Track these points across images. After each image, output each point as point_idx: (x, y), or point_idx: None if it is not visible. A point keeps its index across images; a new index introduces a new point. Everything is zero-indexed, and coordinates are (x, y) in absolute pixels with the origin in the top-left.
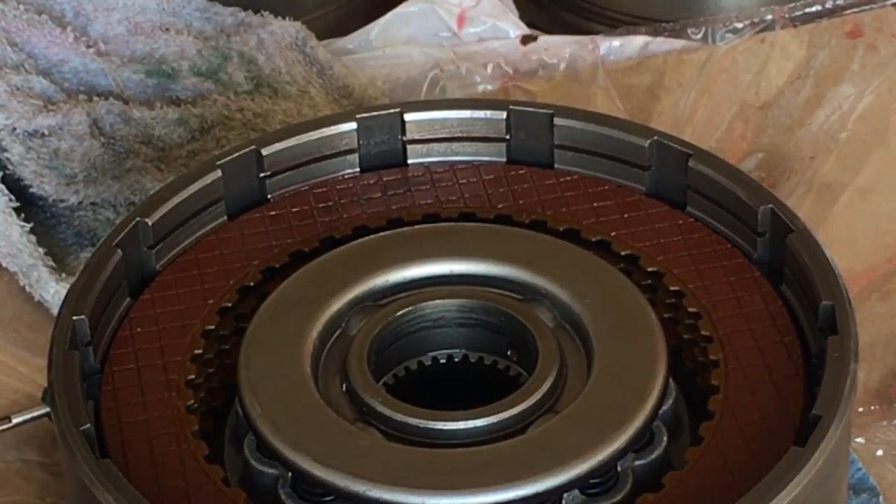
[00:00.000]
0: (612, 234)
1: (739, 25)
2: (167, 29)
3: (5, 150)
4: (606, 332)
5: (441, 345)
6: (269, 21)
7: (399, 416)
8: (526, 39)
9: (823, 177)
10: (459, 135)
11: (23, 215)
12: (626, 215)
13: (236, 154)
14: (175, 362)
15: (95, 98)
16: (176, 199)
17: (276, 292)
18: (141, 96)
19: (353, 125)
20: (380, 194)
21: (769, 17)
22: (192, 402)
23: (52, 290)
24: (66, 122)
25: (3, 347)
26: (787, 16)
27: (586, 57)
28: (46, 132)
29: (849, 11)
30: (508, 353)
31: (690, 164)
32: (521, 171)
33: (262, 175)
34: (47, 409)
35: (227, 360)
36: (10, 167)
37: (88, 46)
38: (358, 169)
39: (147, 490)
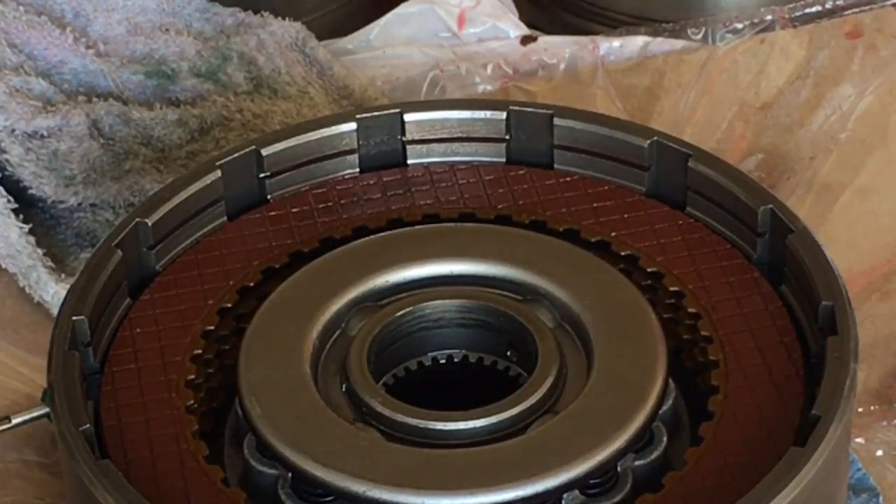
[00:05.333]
0: (612, 234)
1: (739, 26)
2: (167, 29)
3: (4, 152)
4: (606, 332)
5: (441, 345)
6: (269, 21)
7: (399, 417)
8: (526, 40)
9: (823, 177)
10: (459, 135)
11: (22, 216)
12: (626, 215)
13: (236, 154)
14: (175, 362)
15: (95, 99)
16: (176, 200)
17: (276, 293)
18: (140, 97)
19: (352, 125)
20: (379, 195)
21: (769, 17)
22: (191, 402)
23: (52, 291)
24: (66, 124)
25: (3, 348)
26: (787, 16)
27: (586, 57)
28: (46, 133)
29: (849, 11)
30: (508, 353)
31: (690, 164)
32: (521, 172)
33: (261, 175)
34: (47, 410)
35: (226, 361)
36: (9, 168)
37: (88, 47)
38: (358, 169)
39: (147, 490)
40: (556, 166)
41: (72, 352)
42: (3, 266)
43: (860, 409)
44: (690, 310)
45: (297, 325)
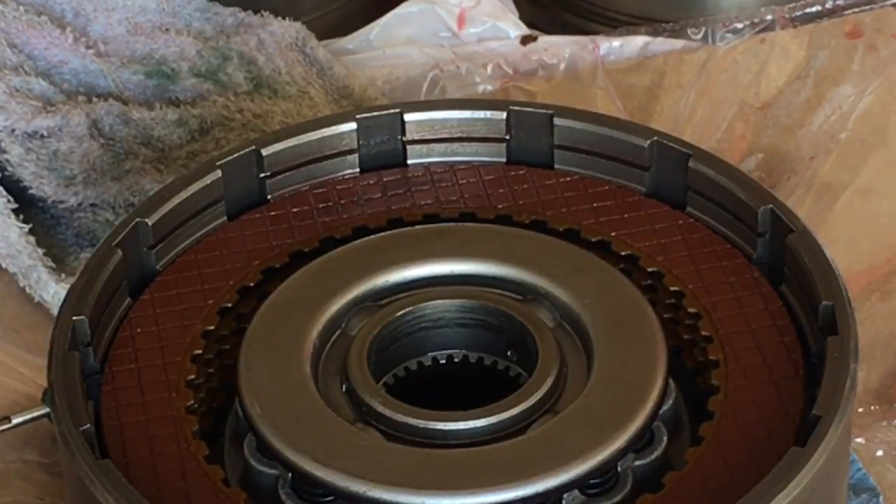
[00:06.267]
0: (612, 234)
1: (739, 26)
2: (167, 29)
3: (4, 152)
4: (606, 332)
5: (441, 345)
6: (269, 21)
7: (399, 417)
8: (526, 40)
9: (823, 177)
10: (459, 135)
11: (22, 216)
12: (626, 215)
13: (236, 154)
14: (175, 362)
15: (95, 99)
16: (176, 200)
17: (276, 292)
18: (140, 97)
19: (353, 125)
20: (380, 194)
21: (769, 17)
22: (192, 402)
23: (52, 291)
24: (66, 124)
25: (3, 348)
26: (787, 16)
27: (586, 57)
28: (46, 133)
29: (849, 11)
30: (508, 353)
31: (690, 164)
32: (521, 172)
33: (262, 175)
34: (47, 410)
35: (227, 361)
36: (9, 168)
37: (88, 47)
38: (358, 169)
39: (147, 490)
40: (556, 166)
41: (72, 352)
42: (3, 266)
43: (860, 409)
44: (690, 310)
45: (297, 325)
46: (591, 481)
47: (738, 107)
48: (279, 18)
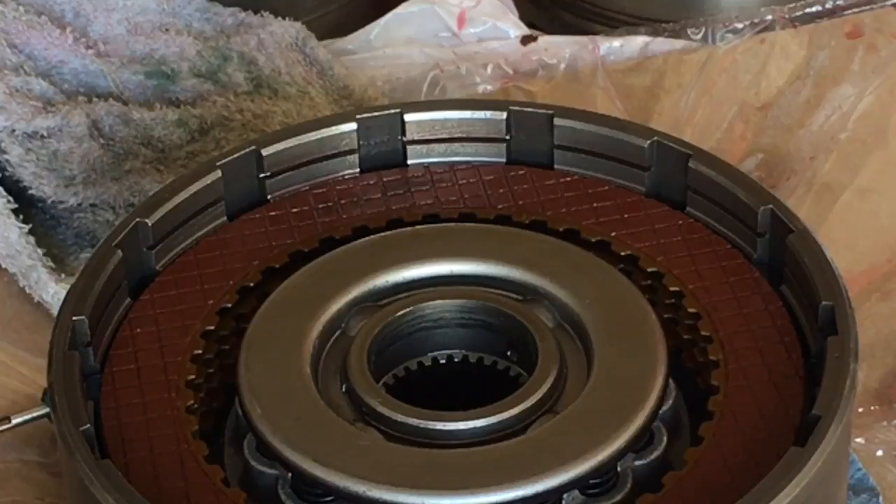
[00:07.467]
0: (612, 234)
1: (739, 26)
2: (167, 29)
3: (4, 152)
4: (606, 332)
5: (441, 345)
6: (269, 21)
7: (399, 417)
8: (526, 40)
9: (823, 177)
10: (459, 135)
11: (22, 216)
12: (626, 215)
13: (236, 154)
14: (175, 363)
15: (95, 99)
16: (176, 200)
17: (276, 293)
18: (140, 97)
19: (353, 125)
20: (380, 195)
21: (769, 17)
22: (192, 402)
23: (52, 291)
24: (66, 124)
25: (3, 348)
26: (787, 16)
27: (586, 57)
28: (46, 134)
29: (849, 11)
30: (508, 353)
31: (690, 164)
32: (521, 172)
33: (262, 175)
34: (47, 410)
35: (226, 361)
36: (9, 169)
37: (88, 47)
38: (358, 169)
39: (147, 490)
40: (556, 166)
41: (72, 352)
42: (3, 266)
43: (860, 409)
44: (690, 310)
45: (297, 325)
46: (591, 481)
47: (738, 107)
48: (279, 18)
